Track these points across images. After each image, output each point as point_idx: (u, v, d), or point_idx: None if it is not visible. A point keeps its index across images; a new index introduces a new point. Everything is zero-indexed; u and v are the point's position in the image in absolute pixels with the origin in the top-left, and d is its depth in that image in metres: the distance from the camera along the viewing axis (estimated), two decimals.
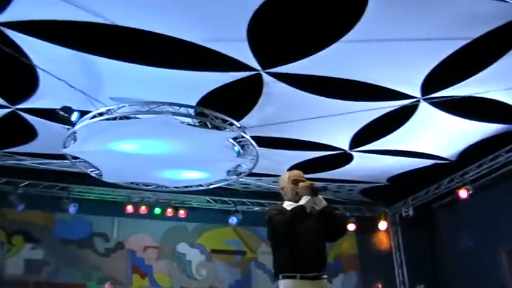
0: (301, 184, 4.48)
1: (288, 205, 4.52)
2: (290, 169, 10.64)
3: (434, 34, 6.52)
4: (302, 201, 4.36)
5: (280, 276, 4.27)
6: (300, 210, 4.30)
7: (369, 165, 10.99)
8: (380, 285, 10.72)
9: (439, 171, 11.42)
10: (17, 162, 10.77)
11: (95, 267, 12.39)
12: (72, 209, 11.96)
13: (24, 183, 11.61)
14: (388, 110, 8.52)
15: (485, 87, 7.85)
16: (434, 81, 7.61)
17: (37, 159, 10.52)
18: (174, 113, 7.80)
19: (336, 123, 8.90)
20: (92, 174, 10.34)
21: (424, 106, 8.38)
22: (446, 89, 7.91)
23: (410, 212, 13.11)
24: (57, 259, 12.14)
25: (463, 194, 11.31)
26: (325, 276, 4.31)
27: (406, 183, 12.07)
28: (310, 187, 4.42)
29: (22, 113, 8.44)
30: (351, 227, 13.00)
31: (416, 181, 12.02)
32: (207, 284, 13.08)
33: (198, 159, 9.52)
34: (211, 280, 13.15)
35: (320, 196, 4.48)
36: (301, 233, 4.27)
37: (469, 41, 6.64)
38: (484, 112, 8.83)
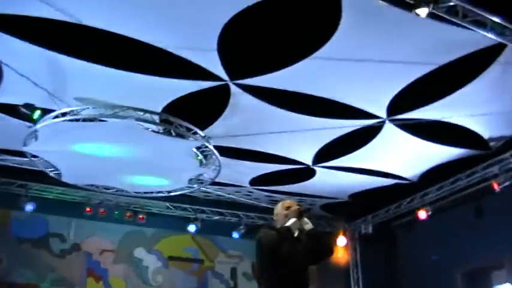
0: (291, 209, 4.69)
1: None
2: (252, 180, 10.78)
3: (403, 57, 6.63)
4: (288, 223, 4.55)
5: None
6: (285, 230, 4.51)
7: (331, 181, 11.06)
8: None
9: (400, 191, 11.58)
10: None
11: (49, 268, 12.15)
12: (29, 207, 11.68)
13: None
14: (353, 128, 8.61)
15: (450, 112, 8.04)
16: (401, 103, 7.73)
17: None
18: (138, 119, 7.73)
19: (300, 138, 8.95)
20: (51, 174, 10.17)
21: (389, 127, 8.49)
22: (412, 112, 8.06)
23: (370, 229, 13.19)
24: (11, 258, 11.89)
25: (422, 214, 11.50)
26: None
27: (367, 200, 12.18)
28: (297, 210, 4.64)
29: None
30: None
31: (378, 199, 12.14)
32: None
33: (160, 166, 9.46)
34: (167, 287, 13.04)
35: (306, 219, 4.68)
36: (288, 256, 4.40)
37: (436, 66, 6.79)
38: (448, 136, 8.99)
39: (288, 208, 4.73)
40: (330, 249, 4.87)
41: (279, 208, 4.83)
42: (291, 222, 4.56)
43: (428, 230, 12.09)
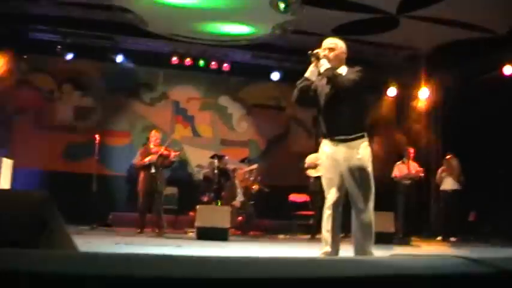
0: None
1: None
2: (334, 29, 10.69)
3: None
4: (306, 73, 4.67)
5: (321, 136, 4.67)
6: (300, 81, 4.67)
7: (414, 31, 10.81)
8: (412, 150, 10.91)
9: (487, 44, 11.05)
10: (65, 12, 10.90)
11: (140, 116, 12.94)
12: (119, 58, 12.22)
13: (72, 33, 11.72)
14: None
15: None
16: None
17: (85, 9, 10.62)
18: None
19: None
20: (139, 24, 10.42)
21: None
22: None
23: (452, 84, 12.89)
24: (104, 108, 12.69)
25: (508, 70, 11.00)
26: (355, 138, 4.46)
27: (451, 53, 11.83)
28: (312, 54, 4.61)
29: None
30: (392, 92, 13.07)
31: (462, 52, 11.72)
32: (246, 137, 13.61)
33: (245, 13, 9.52)
34: (251, 133, 13.64)
35: (322, 61, 4.54)
36: (325, 98, 4.55)
37: None
38: None
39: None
40: (345, 85, 4.47)
41: None
42: (309, 71, 4.64)
43: None
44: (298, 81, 4.66)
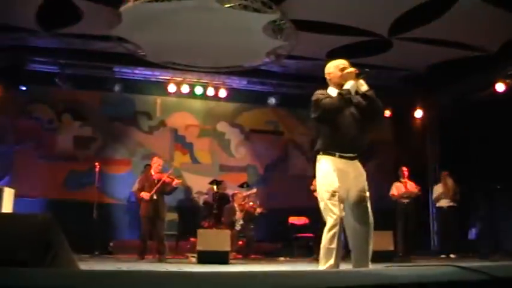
0: (347, 70, 4.78)
1: (331, 91, 4.84)
2: (329, 53, 10.86)
3: None
4: (347, 86, 4.70)
5: (321, 152, 4.70)
6: (346, 93, 4.67)
7: (408, 53, 10.98)
8: (405, 169, 11.03)
9: (479, 62, 11.24)
10: (64, 44, 11.09)
11: (139, 144, 13.05)
12: (117, 88, 12.38)
13: (70, 64, 11.94)
14: None
15: None
16: None
17: (83, 40, 10.81)
18: None
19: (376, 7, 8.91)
20: (137, 54, 10.60)
21: None
22: None
23: (447, 102, 13.04)
24: (104, 136, 12.82)
25: (500, 87, 11.18)
26: (359, 156, 4.69)
27: (444, 73, 11.97)
28: (354, 72, 4.73)
29: None
30: (387, 113, 13.20)
31: (455, 71, 11.88)
32: (245, 162, 13.68)
33: (238, 41, 9.69)
34: (249, 158, 13.74)
35: (361, 81, 4.75)
36: (344, 116, 4.65)
37: None
38: None
39: (342, 69, 4.78)
40: (382, 111, 5.03)
41: (332, 68, 4.88)
42: (349, 84, 4.67)
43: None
44: (342, 91, 4.67)
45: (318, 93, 4.76)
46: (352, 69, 4.75)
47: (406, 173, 11.04)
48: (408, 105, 13.60)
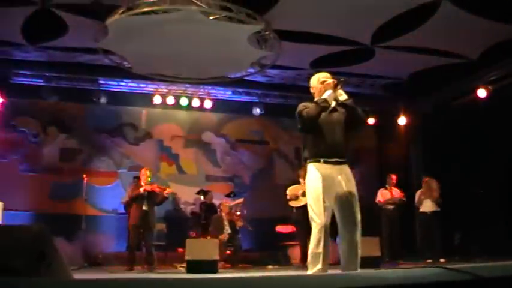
0: (326, 82, 5.04)
1: None
2: (312, 63, 10.99)
3: None
4: (324, 95, 4.94)
5: (308, 160, 4.93)
6: (321, 101, 4.89)
7: (390, 61, 11.12)
8: (394, 177, 11.19)
9: (461, 69, 11.42)
10: (48, 57, 11.11)
11: (125, 156, 13.06)
12: (102, 100, 12.40)
13: (55, 77, 11.95)
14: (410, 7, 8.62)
15: None
16: None
17: (68, 52, 10.84)
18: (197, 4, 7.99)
19: (358, 17, 9.04)
20: (123, 66, 10.62)
21: (447, 4, 8.44)
22: None
23: (430, 109, 13.17)
24: (90, 148, 12.81)
25: (481, 93, 11.35)
26: (346, 161, 4.90)
27: (426, 80, 12.13)
28: (332, 83, 4.99)
29: (53, 9, 8.73)
30: (371, 120, 13.32)
31: (437, 78, 12.03)
32: (230, 172, 13.75)
33: (223, 52, 9.75)
34: (235, 168, 13.80)
35: (340, 91, 4.98)
36: (326, 123, 4.88)
37: None
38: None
39: (323, 82, 5.04)
40: (362, 118, 5.25)
41: (314, 81, 5.16)
42: (327, 94, 4.90)
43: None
44: (318, 100, 4.92)
45: (301, 106, 5.02)
46: (330, 80, 5.02)
47: (395, 181, 11.21)
48: (392, 113, 13.71)
